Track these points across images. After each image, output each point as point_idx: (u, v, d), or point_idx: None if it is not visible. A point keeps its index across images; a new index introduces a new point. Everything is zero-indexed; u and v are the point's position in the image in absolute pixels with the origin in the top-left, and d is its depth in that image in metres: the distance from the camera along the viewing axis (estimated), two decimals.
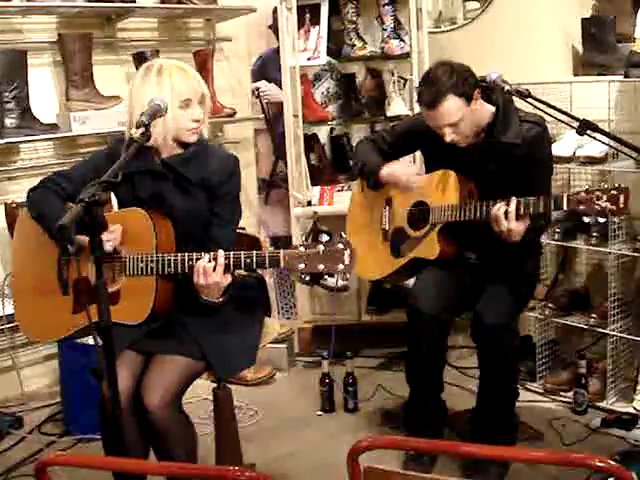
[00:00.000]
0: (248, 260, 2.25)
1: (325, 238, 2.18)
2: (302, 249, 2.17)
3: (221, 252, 2.27)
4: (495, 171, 2.75)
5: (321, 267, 2.15)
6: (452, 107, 2.63)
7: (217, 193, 2.46)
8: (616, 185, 2.41)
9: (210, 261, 2.27)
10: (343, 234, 2.17)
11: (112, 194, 2.55)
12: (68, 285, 2.38)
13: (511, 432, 2.88)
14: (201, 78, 2.46)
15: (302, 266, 2.17)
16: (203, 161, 2.46)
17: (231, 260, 2.27)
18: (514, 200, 2.54)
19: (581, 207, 2.44)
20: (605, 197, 2.39)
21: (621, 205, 2.39)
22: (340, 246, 2.14)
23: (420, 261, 2.89)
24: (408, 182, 2.89)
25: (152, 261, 2.33)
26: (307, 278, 2.21)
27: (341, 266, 2.15)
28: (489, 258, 2.85)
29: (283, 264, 2.20)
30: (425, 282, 2.86)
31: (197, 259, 2.29)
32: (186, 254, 2.31)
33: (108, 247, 2.33)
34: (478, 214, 2.65)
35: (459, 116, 2.65)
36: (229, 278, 2.30)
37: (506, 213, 2.54)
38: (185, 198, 2.45)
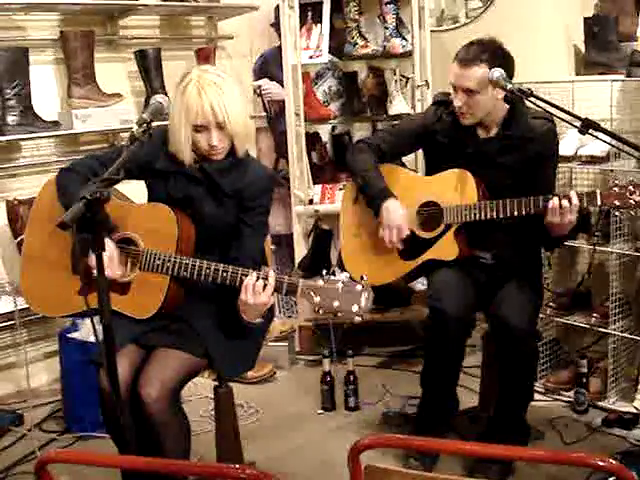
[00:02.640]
0: None
1: (345, 275, 2.17)
2: (321, 282, 2.16)
3: (272, 273, 2.25)
4: (509, 166, 2.76)
5: (336, 304, 2.15)
6: (479, 75, 2.64)
7: (249, 205, 2.44)
8: None
9: (259, 279, 2.24)
10: (364, 276, 2.16)
11: (145, 186, 2.54)
12: (79, 265, 2.36)
13: (526, 435, 2.87)
14: (224, 103, 2.31)
15: (318, 299, 2.16)
16: (240, 173, 2.44)
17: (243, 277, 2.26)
18: (574, 193, 2.54)
19: (616, 202, 2.46)
20: (638, 192, 2.42)
21: None
22: (359, 287, 2.14)
23: (431, 262, 2.85)
24: (391, 239, 2.83)
25: (169, 261, 2.32)
26: (320, 312, 2.20)
27: (356, 307, 2.14)
28: (504, 258, 2.83)
29: (299, 294, 2.20)
30: (445, 283, 2.78)
31: (215, 269, 2.28)
32: (205, 262, 2.29)
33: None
34: (502, 212, 2.64)
35: (480, 87, 2.65)
36: (273, 299, 2.28)
37: (569, 205, 2.53)
38: (215, 206, 2.44)
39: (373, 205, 2.87)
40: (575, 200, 2.54)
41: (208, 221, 2.43)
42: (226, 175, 2.43)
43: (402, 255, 2.91)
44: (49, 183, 2.53)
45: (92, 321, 1.75)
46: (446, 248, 2.81)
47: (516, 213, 2.64)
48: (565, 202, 2.54)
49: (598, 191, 2.50)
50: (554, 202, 2.55)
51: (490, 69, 2.60)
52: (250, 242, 2.45)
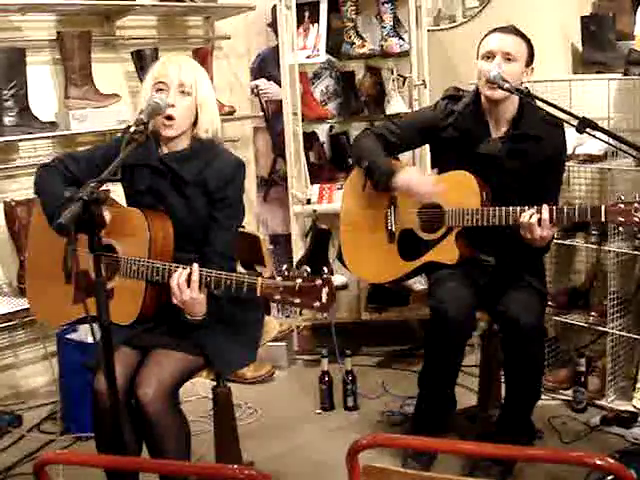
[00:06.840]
0: (228, 282, 2.22)
1: (305, 270, 2.13)
2: (279, 279, 2.12)
3: (195, 266, 2.24)
4: (516, 170, 2.72)
5: (297, 301, 2.11)
6: (518, 45, 2.70)
7: (215, 197, 2.43)
8: None
9: (182, 277, 2.24)
10: (325, 269, 2.09)
11: (120, 185, 2.54)
12: (71, 274, 2.38)
13: (532, 436, 2.87)
14: (192, 69, 2.38)
15: (277, 297, 2.13)
16: (203, 161, 2.43)
17: (213, 279, 2.23)
18: (546, 208, 2.50)
19: (619, 219, 2.41)
20: None
21: None
22: (318, 282, 2.07)
23: (432, 264, 2.82)
24: (426, 195, 2.77)
25: (144, 265, 2.32)
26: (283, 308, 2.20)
27: (317, 303, 2.09)
28: (506, 260, 2.80)
29: (259, 292, 2.16)
30: (447, 285, 2.74)
31: (163, 269, 2.28)
32: (167, 264, 2.29)
33: None
34: (504, 220, 2.60)
35: (516, 54, 2.68)
36: (201, 295, 2.26)
37: (539, 221, 2.50)
38: (181, 197, 2.43)
39: (381, 184, 2.79)
40: (545, 215, 2.50)
41: (179, 214, 2.42)
42: (186, 163, 2.42)
43: (402, 255, 2.88)
44: None
45: (91, 327, 1.75)
46: (447, 251, 2.77)
47: (499, 223, 2.62)
48: (532, 219, 2.51)
49: (603, 206, 2.44)
50: (526, 218, 2.52)
51: (525, 44, 2.70)
52: (218, 237, 2.43)
